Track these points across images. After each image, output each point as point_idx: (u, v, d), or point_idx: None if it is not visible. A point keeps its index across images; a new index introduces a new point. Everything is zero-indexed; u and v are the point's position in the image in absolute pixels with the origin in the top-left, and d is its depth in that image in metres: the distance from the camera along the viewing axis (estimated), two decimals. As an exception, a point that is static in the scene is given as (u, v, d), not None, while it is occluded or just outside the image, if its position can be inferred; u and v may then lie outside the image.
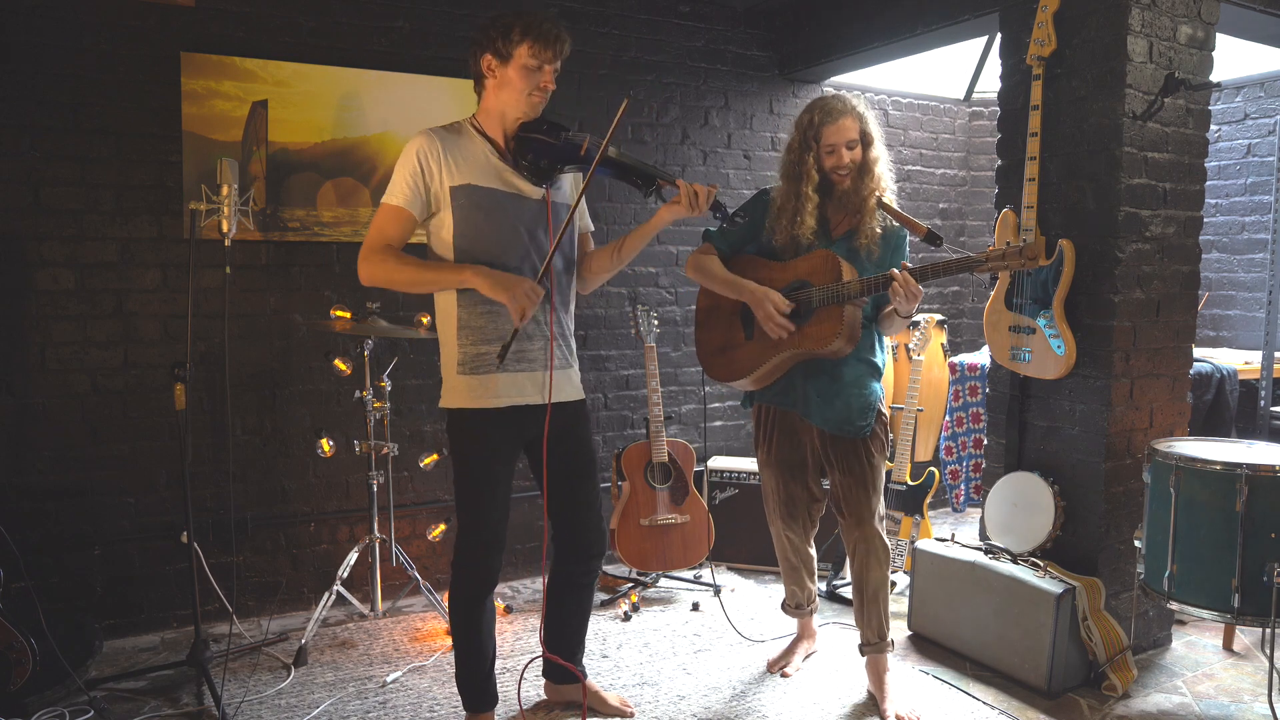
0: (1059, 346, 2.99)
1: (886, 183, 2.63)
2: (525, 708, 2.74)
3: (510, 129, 2.32)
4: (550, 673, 2.73)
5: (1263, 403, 3.83)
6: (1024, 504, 3.14)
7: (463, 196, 2.26)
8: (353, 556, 3.33)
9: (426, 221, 2.32)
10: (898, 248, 2.66)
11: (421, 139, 2.27)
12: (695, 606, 3.60)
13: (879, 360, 2.71)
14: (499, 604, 3.41)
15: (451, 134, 2.31)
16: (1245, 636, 3.28)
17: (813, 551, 3.01)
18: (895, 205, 2.64)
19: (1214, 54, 3.13)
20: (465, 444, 2.36)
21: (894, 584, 3.47)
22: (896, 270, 2.41)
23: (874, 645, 2.78)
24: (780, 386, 2.73)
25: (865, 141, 2.59)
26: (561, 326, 2.43)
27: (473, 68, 2.32)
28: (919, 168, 4.99)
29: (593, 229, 2.64)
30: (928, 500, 3.72)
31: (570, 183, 2.48)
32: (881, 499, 2.76)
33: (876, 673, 2.80)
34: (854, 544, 2.74)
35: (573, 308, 2.51)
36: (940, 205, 5.10)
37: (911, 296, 2.39)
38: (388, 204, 2.26)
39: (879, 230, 2.61)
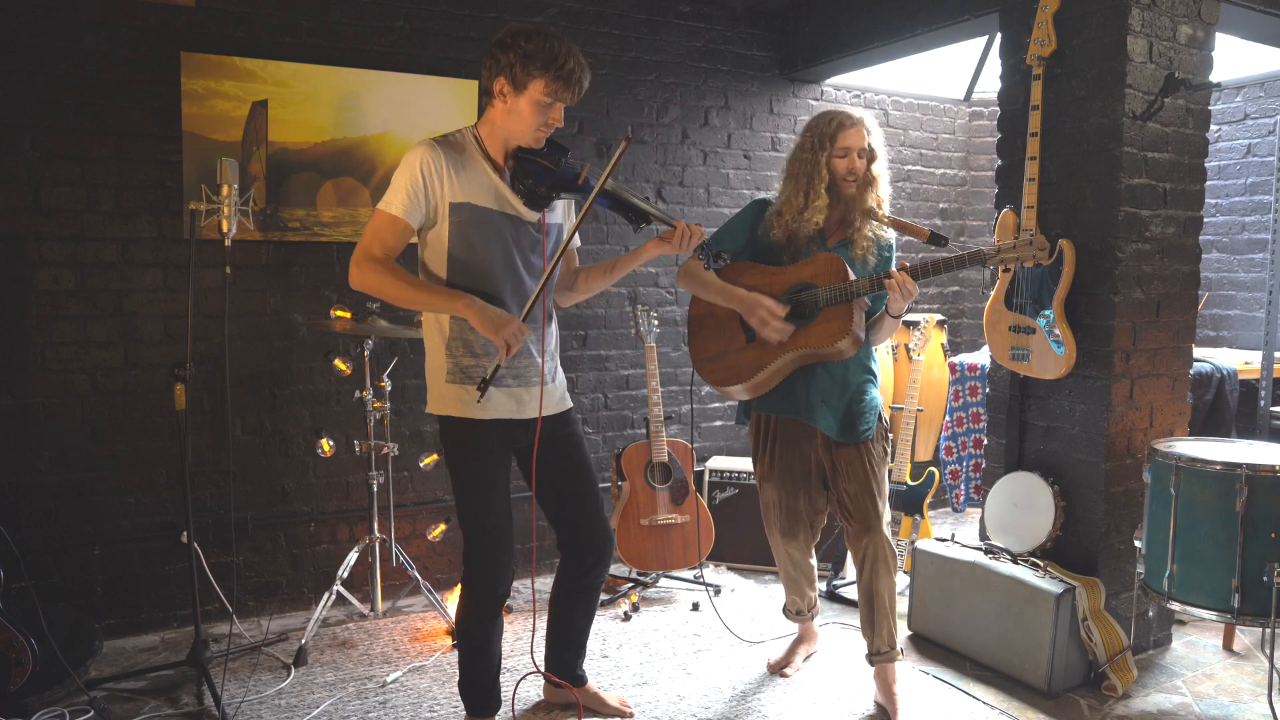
0: (1059, 346, 2.99)
1: (885, 197, 2.68)
2: (525, 707, 2.75)
3: (510, 149, 2.30)
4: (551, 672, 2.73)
5: (1263, 403, 3.83)
6: (1024, 504, 3.14)
7: (461, 214, 2.25)
8: (353, 556, 3.33)
9: (423, 232, 2.30)
10: (888, 257, 2.72)
11: (425, 150, 2.22)
12: (695, 607, 3.60)
13: (875, 367, 2.75)
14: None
15: (454, 148, 2.27)
16: (1245, 636, 3.28)
17: (813, 562, 3.00)
18: (890, 214, 2.68)
19: (1214, 54, 3.13)
20: (459, 450, 2.37)
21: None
22: (894, 269, 2.48)
23: (884, 655, 2.75)
24: (780, 392, 2.72)
25: (870, 157, 2.64)
26: (549, 343, 2.45)
27: (483, 81, 2.27)
28: (919, 168, 4.99)
29: (579, 245, 2.65)
30: (928, 500, 3.72)
31: (563, 206, 2.47)
32: (887, 504, 2.75)
33: (885, 683, 2.77)
34: (862, 551, 2.71)
35: (555, 323, 2.52)
36: (940, 205, 5.09)
37: (907, 294, 2.48)
38: (386, 212, 2.20)
39: (873, 238, 2.66)
